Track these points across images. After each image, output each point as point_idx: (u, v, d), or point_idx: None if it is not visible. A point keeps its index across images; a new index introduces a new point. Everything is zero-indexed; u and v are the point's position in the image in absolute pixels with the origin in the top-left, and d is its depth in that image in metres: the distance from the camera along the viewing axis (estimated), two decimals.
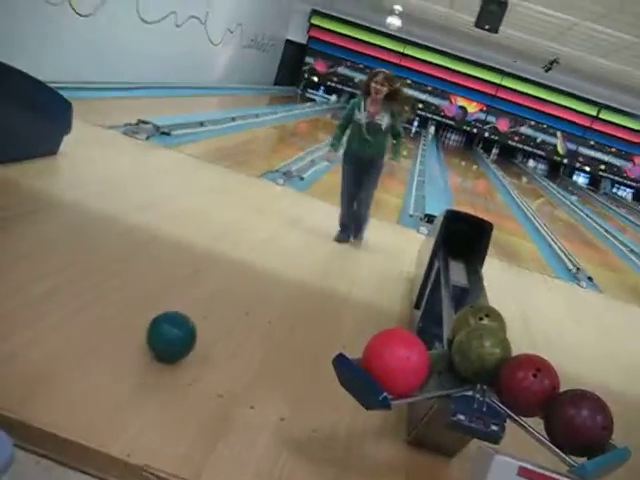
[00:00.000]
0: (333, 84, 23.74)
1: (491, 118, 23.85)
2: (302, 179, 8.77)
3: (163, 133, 8.81)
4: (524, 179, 21.00)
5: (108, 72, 11.14)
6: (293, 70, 23.62)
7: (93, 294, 3.76)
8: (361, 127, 5.87)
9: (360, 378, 2.58)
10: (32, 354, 3.01)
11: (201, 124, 10.42)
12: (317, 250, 6.01)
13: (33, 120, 5.82)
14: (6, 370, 2.84)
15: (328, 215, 6.67)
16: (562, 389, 2.66)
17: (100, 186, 5.89)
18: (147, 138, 8.32)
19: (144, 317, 3.31)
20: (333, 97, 23.74)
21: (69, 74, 9.42)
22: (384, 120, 5.85)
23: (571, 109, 23.36)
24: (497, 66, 22.95)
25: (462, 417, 2.54)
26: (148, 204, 5.76)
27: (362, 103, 5.86)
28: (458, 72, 23.28)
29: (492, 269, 4.91)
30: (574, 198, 18.34)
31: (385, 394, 2.53)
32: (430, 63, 23.30)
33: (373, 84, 5.73)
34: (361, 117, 5.85)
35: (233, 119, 12.07)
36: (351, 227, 6.34)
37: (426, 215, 8.11)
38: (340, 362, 2.65)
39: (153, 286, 4.13)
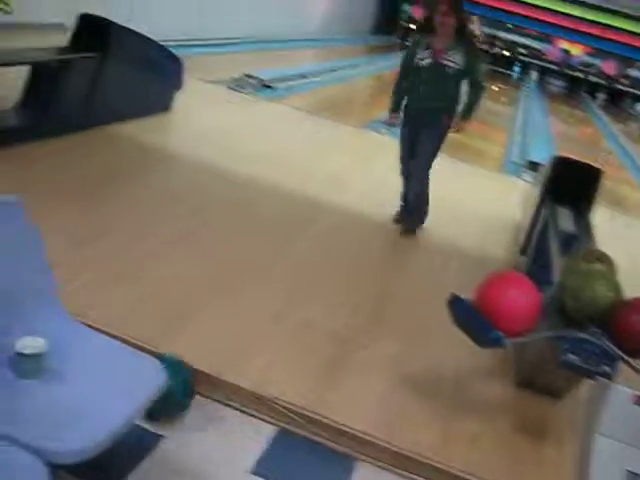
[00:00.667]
0: None
1: (597, 61, 22.76)
2: None
3: (267, 86, 9.02)
4: (633, 125, 20.08)
5: (213, 28, 11.40)
6: (390, 19, 23.23)
7: (218, 239, 4.06)
8: (421, 72, 4.51)
9: (474, 317, 2.70)
10: (167, 294, 3.31)
11: (303, 76, 10.57)
12: None
13: (149, 79, 6.13)
14: (145, 308, 3.14)
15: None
16: None
17: (211, 138, 6.17)
18: (252, 92, 8.56)
19: (270, 260, 3.73)
20: None
21: (177, 32, 9.73)
22: (455, 60, 4.41)
23: None
24: (603, 4, 21.74)
25: (574, 357, 2.62)
26: (256, 155, 6.00)
27: (423, 41, 4.51)
28: (561, 13, 22.27)
29: (600, 217, 4.87)
30: None
31: (499, 333, 2.65)
32: (532, 5, 22.39)
33: (437, 16, 4.35)
34: (422, 57, 4.47)
35: (333, 70, 12.15)
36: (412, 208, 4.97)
37: (530, 162, 8.01)
38: (454, 302, 2.78)
39: (270, 231, 4.41)
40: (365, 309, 3.71)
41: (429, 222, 5.05)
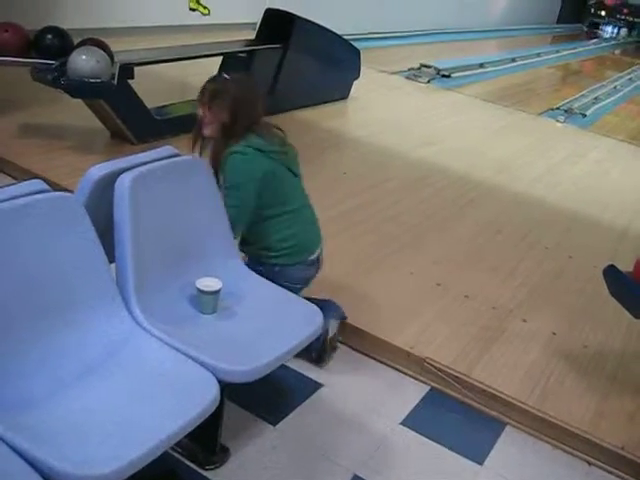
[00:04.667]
0: (623, 17, 21.88)
1: None
2: (584, 116, 8.50)
3: (444, 76, 9.09)
4: None
5: (391, 23, 11.64)
6: (577, 6, 22.19)
7: (386, 215, 4.33)
8: None
9: (632, 289, 2.68)
10: (334, 261, 3.56)
11: (480, 66, 10.49)
12: (595, 185, 5.93)
13: (328, 68, 6.47)
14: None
15: (610, 152, 6.52)
16: None
17: (386, 124, 6.42)
18: (429, 81, 8.68)
19: (436, 234, 3.97)
20: (623, 31, 21.93)
21: (357, 25, 10.08)
22: None
23: None
24: None
25: None
26: (430, 140, 6.17)
27: None
28: None
29: None
30: None
31: None
32: None
33: None
34: None
35: (513, 60, 11.93)
36: None
37: None
38: (610, 273, 2.77)
39: (438, 212, 4.59)
40: (530, 285, 3.75)
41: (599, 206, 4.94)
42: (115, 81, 3.95)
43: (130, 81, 4.36)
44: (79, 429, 1.71)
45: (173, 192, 2.26)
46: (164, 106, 5.16)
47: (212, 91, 2.55)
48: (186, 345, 2.02)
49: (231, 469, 2.27)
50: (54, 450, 1.56)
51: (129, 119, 4.40)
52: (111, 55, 4.03)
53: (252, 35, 6.20)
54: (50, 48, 4.15)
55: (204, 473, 2.23)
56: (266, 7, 6.12)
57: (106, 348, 1.96)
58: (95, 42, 4.03)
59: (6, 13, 5.13)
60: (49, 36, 4.20)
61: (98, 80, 3.80)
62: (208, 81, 2.62)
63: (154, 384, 1.89)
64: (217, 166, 2.55)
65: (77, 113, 4.73)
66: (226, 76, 2.64)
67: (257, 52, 5.68)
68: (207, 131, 2.58)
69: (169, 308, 2.17)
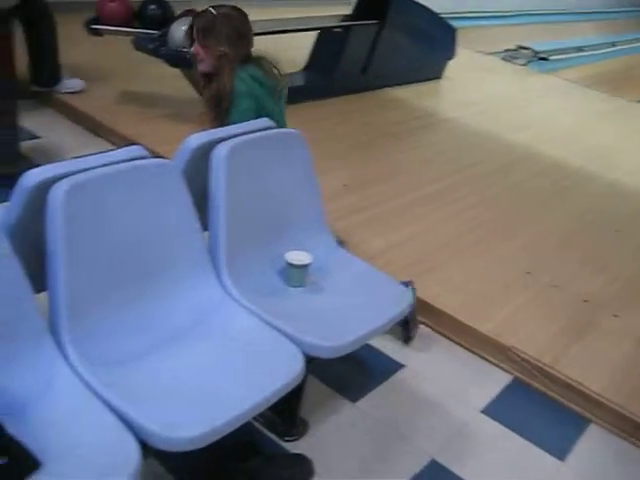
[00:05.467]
0: None
1: None
2: None
3: (541, 58, 8.81)
4: None
5: (487, 2, 11.32)
6: None
7: (475, 198, 4.24)
8: None
9: None
10: (421, 242, 3.54)
11: (579, 49, 10.11)
12: None
13: (424, 47, 6.36)
14: (397, 253, 3.37)
15: None
16: None
17: (480, 106, 6.29)
18: (525, 63, 8.43)
19: (523, 221, 3.90)
20: None
21: (453, 4, 9.84)
22: None
23: None
24: None
25: None
26: (524, 124, 6.01)
27: None
28: None
29: None
30: None
31: None
32: None
33: None
34: None
35: (613, 44, 11.44)
36: None
37: None
38: None
39: (529, 198, 4.47)
40: (624, 279, 3.62)
41: None
42: None
43: None
44: (167, 392, 1.75)
45: (268, 163, 2.27)
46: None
47: (203, 28, 2.56)
48: (274, 317, 2.03)
49: (309, 443, 2.28)
50: (144, 410, 1.61)
51: None
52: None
53: (346, 10, 6.14)
54: (152, 18, 4.24)
55: (282, 444, 2.26)
56: None
57: (196, 315, 2.00)
58: (195, 13, 4.07)
59: None
60: (152, 7, 4.28)
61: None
62: (196, 17, 2.62)
63: (241, 353, 1.91)
64: (223, 102, 2.55)
65: (173, 83, 4.80)
66: (213, 11, 2.59)
67: (353, 28, 5.62)
68: (202, 67, 2.61)
69: (258, 279, 2.19)
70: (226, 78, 2.53)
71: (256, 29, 5.09)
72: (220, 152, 2.09)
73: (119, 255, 1.87)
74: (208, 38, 2.54)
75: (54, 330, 1.74)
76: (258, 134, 2.26)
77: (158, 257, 1.97)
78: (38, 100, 4.57)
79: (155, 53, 4.02)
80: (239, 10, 2.64)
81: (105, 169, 1.83)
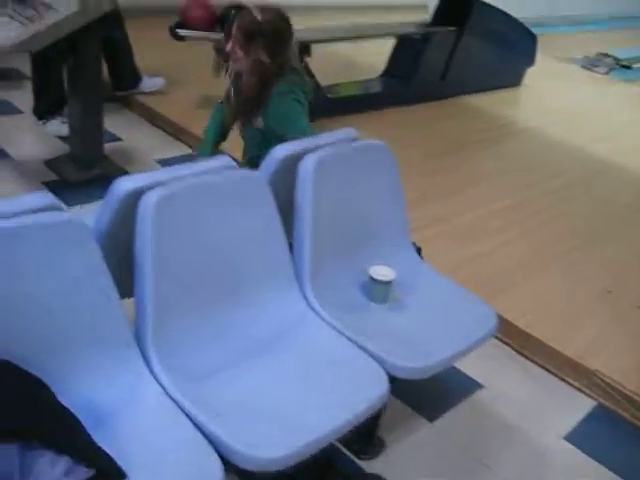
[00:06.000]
0: None
1: None
2: None
3: (623, 66, 8.52)
4: None
5: (567, 7, 11.04)
6: None
7: (554, 212, 4.11)
8: None
9: None
10: (499, 256, 3.44)
11: None
12: None
13: (503, 54, 6.22)
14: (473, 269, 3.28)
15: None
16: None
17: (559, 115, 6.11)
18: (606, 72, 8.16)
19: (601, 238, 3.73)
20: None
21: (530, 9, 9.62)
22: None
23: None
24: None
25: None
26: (605, 135, 5.82)
27: None
28: None
29: None
30: None
31: None
32: None
33: None
34: None
35: None
36: None
37: None
38: None
39: (611, 214, 4.31)
40: None
41: None
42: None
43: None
44: (249, 408, 1.72)
45: (353, 175, 2.23)
46: (334, 85, 5.18)
47: (245, 31, 2.42)
48: (357, 334, 1.99)
49: (385, 462, 2.23)
50: (228, 428, 1.59)
51: None
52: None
53: (421, 16, 6.09)
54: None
55: (358, 462, 2.22)
56: None
57: (278, 329, 1.97)
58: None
59: None
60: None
61: None
62: (238, 16, 2.47)
63: (323, 371, 1.88)
64: (254, 106, 2.47)
65: None
66: (258, 15, 2.41)
67: (432, 34, 5.54)
68: (237, 66, 2.49)
69: (340, 293, 2.15)
70: (256, 85, 2.45)
71: (336, 34, 5.15)
72: (307, 164, 2.06)
73: (204, 266, 1.86)
74: (249, 42, 2.42)
75: (139, 341, 1.74)
76: (344, 145, 2.22)
77: (242, 268, 1.95)
78: (119, 103, 4.66)
79: None
80: (282, 15, 2.49)
81: (194, 179, 1.83)
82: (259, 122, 2.51)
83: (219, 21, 4.34)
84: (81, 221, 1.61)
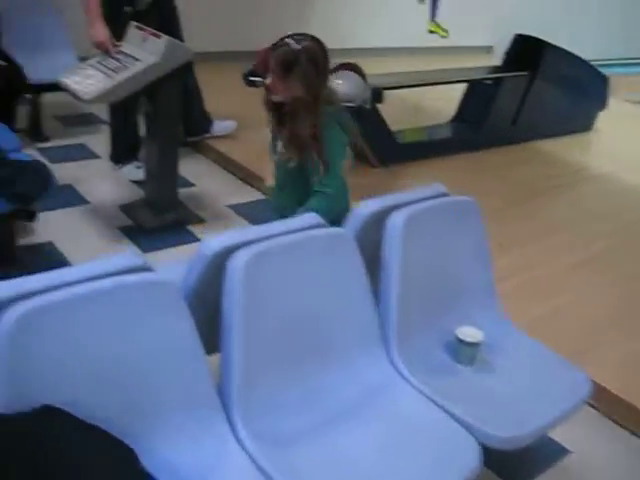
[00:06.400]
0: None
1: None
2: None
3: None
4: None
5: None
6: None
7: (631, 269, 3.89)
8: None
9: None
10: (575, 312, 3.30)
11: None
12: None
13: (574, 98, 6.10)
14: (553, 325, 3.14)
15: None
16: None
17: (634, 161, 5.90)
18: None
19: None
20: None
21: (601, 51, 9.48)
22: None
23: None
24: None
25: None
26: None
27: None
28: None
29: None
30: None
31: None
32: None
33: None
34: None
35: None
36: None
37: None
38: None
39: None
40: None
41: None
42: (368, 105, 3.97)
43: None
44: (335, 474, 1.66)
45: (441, 232, 2.16)
46: (402, 130, 5.15)
47: (283, 62, 2.27)
48: (445, 399, 1.91)
49: None
50: None
51: (374, 142, 4.42)
52: (364, 79, 4.07)
53: (487, 58, 6.02)
54: None
55: None
56: (515, 33, 5.90)
57: (363, 393, 1.91)
58: (350, 67, 4.08)
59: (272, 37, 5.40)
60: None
61: (352, 104, 3.84)
62: (276, 48, 2.32)
63: (411, 439, 1.80)
64: (302, 146, 2.33)
65: None
66: (295, 44, 2.26)
67: (503, 79, 5.47)
68: (277, 98, 2.34)
69: (426, 355, 2.08)
70: (305, 122, 2.31)
71: (408, 80, 5.13)
72: (396, 220, 2.01)
73: (291, 326, 1.82)
74: (287, 74, 2.27)
75: (224, 403, 1.69)
76: (433, 202, 2.16)
77: (329, 329, 1.90)
78: (191, 148, 4.72)
79: None
80: (320, 44, 2.34)
81: (283, 238, 1.79)
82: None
83: None
84: (171, 282, 1.59)
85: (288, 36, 2.32)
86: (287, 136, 2.40)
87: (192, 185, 4.26)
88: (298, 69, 2.26)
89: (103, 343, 1.49)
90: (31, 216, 3.05)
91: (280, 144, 2.49)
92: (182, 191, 3.97)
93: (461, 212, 2.24)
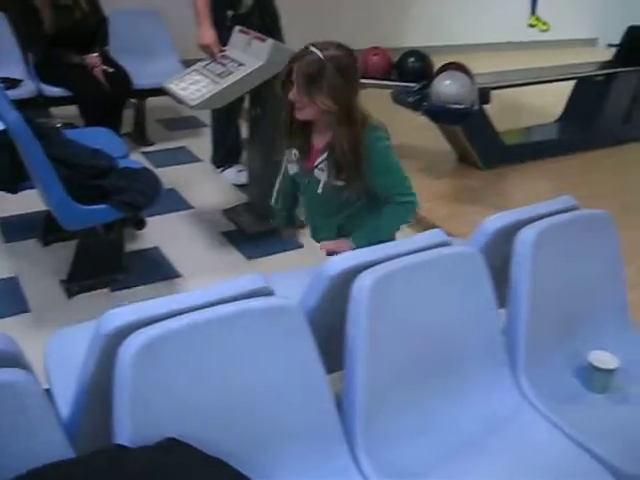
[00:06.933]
0: None
1: None
2: None
3: None
4: None
5: None
6: None
7: None
8: None
9: None
10: None
11: None
12: None
13: None
14: None
15: None
16: None
17: None
18: None
19: None
20: None
21: None
22: None
23: None
24: None
25: None
26: None
27: None
28: None
29: None
30: None
31: None
32: None
33: None
34: None
35: None
36: None
37: None
38: None
39: None
40: None
41: None
42: (476, 107, 3.81)
43: None
44: None
45: (573, 249, 2.01)
46: (507, 131, 4.95)
47: (307, 74, 2.01)
48: (578, 431, 1.76)
49: None
50: None
51: (480, 144, 4.26)
52: (472, 79, 3.90)
53: (590, 52, 5.70)
54: (411, 71, 4.16)
55: None
56: (629, 25, 5.56)
57: (488, 422, 1.78)
58: (457, 66, 3.93)
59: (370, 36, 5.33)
60: (411, 59, 4.21)
61: (460, 106, 3.69)
62: (297, 58, 2.04)
63: (540, 475, 1.66)
64: (347, 162, 2.06)
65: (424, 134, 4.71)
66: (319, 53, 2.00)
67: (616, 75, 5.17)
68: (301, 115, 2.08)
69: (556, 382, 1.93)
70: (343, 136, 2.06)
71: (515, 79, 4.91)
72: (526, 237, 1.87)
73: (414, 351, 1.71)
74: (312, 87, 2.02)
75: (346, 431, 1.61)
76: (564, 216, 2.01)
77: (453, 353, 1.79)
78: None
79: (415, 107, 3.91)
80: (347, 50, 2.08)
81: (409, 258, 1.69)
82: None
83: (396, 69, 4.26)
84: (295, 307, 1.52)
85: (312, 44, 2.07)
86: (329, 154, 2.13)
87: None
88: (322, 81, 2.01)
89: (227, 371, 1.43)
90: (140, 225, 3.06)
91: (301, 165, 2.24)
92: None
93: (594, 226, 2.07)
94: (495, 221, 1.92)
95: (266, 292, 1.51)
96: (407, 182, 2.19)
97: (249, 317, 1.45)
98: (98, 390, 1.43)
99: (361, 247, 1.79)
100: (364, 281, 1.59)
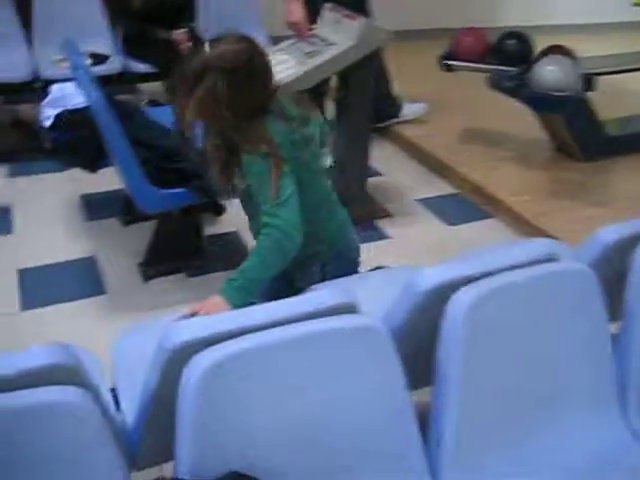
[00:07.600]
0: None
1: None
2: None
3: None
4: None
5: None
6: None
7: None
8: None
9: None
10: None
11: None
12: None
13: None
14: None
15: None
16: None
17: None
18: None
19: None
20: None
21: None
22: None
23: None
24: None
25: None
26: None
27: None
28: None
29: None
30: None
31: None
32: None
33: None
34: None
35: None
36: None
37: None
38: None
39: None
40: None
41: None
42: (581, 95, 3.51)
43: None
44: None
45: None
46: (609, 120, 4.56)
47: (188, 79, 1.74)
48: None
49: None
50: None
51: (582, 135, 3.95)
52: (579, 65, 3.60)
53: None
54: (510, 54, 3.87)
55: None
56: None
57: (592, 460, 1.58)
58: (562, 51, 3.63)
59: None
60: (510, 41, 3.92)
61: (564, 93, 3.40)
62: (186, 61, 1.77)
63: None
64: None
65: (518, 120, 4.42)
66: (207, 50, 1.74)
67: None
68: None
69: None
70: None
71: (622, 64, 4.52)
72: None
73: (511, 379, 1.52)
74: (193, 90, 1.73)
75: (431, 463, 1.45)
76: None
77: (555, 382, 1.59)
78: (378, 134, 4.47)
79: (514, 93, 3.64)
80: (248, 42, 1.84)
81: (513, 274, 1.49)
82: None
83: (493, 51, 3.98)
84: (381, 327, 1.35)
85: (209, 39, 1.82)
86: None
87: (380, 175, 4.03)
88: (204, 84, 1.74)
89: (301, 398, 1.29)
90: (219, 210, 2.95)
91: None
92: (370, 180, 3.74)
93: None
94: (611, 233, 1.70)
95: (349, 309, 1.35)
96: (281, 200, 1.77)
97: (331, 337, 1.30)
98: (162, 404, 1.32)
99: (237, 306, 1.54)
100: (463, 298, 1.41)
